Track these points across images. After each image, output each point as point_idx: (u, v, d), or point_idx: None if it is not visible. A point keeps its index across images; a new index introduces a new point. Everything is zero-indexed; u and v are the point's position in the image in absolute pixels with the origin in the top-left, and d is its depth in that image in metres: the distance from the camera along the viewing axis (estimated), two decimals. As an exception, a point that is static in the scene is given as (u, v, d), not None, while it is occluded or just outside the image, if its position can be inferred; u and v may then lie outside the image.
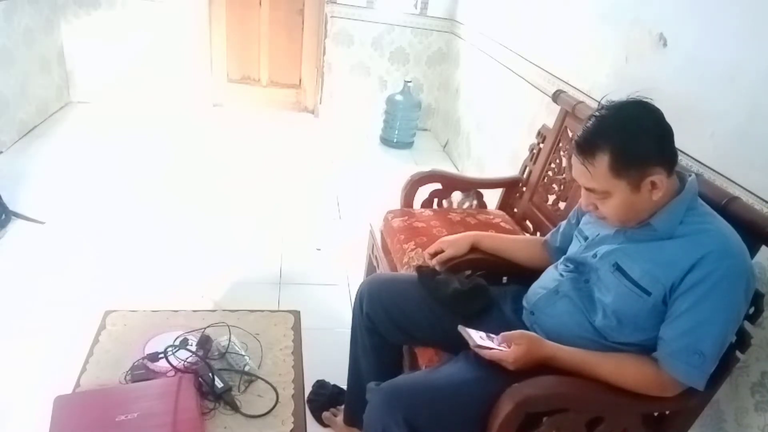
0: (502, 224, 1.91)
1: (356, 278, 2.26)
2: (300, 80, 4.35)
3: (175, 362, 1.27)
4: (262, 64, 4.24)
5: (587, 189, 1.10)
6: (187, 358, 1.28)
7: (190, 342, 1.33)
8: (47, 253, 2.24)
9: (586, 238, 1.26)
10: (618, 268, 1.12)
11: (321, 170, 3.48)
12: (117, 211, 2.61)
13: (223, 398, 1.22)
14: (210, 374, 1.24)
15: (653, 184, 1.04)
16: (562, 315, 1.20)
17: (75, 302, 1.95)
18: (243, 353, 1.34)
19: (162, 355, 1.28)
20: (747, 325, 1.11)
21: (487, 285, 1.36)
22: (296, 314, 1.55)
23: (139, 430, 1.10)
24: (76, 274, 2.13)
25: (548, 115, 2.26)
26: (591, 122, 1.07)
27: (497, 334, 1.15)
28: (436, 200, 2.10)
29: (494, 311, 1.34)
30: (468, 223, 1.87)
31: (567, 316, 1.19)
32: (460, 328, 1.16)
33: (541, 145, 2.05)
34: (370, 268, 2.04)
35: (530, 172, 2.07)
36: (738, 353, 1.12)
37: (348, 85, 4.23)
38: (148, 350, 1.32)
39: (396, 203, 2.03)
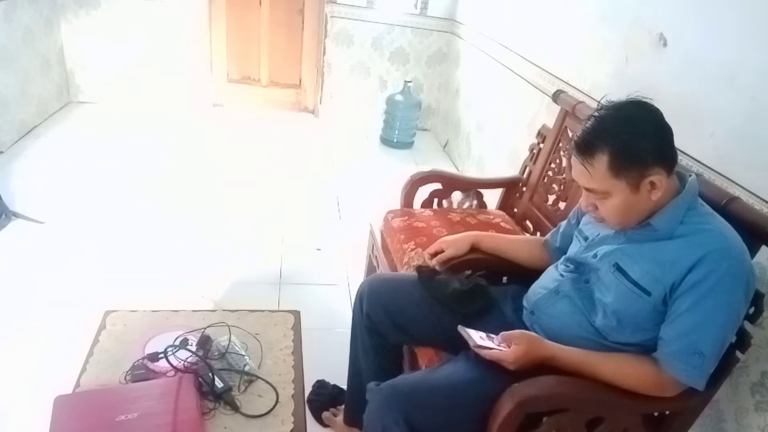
0: (502, 224, 1.91)
1: (356, 278, 2.26)
2: (300, 80, 4.35)
3: (175, 362, 1.27)
4: (262, 64, 4.24)
5: (587, 189, 1.11)
6: (187, 358, 1.28)
7: (190, 342, 1.33)
8: (47, 252, 2.24)
9: (586, 239, 1.26)
10: (618, 268, 1.12)
11: (321, 170, 3.48)
12: (117, 211, 2.62)
13: (223, 398, 1.22)
14: (210, 374, 1.24)
15: (653, 185, 1.04)
16: (563, 315, 1.20)
17: (75, 302, 1.95)
18: (243, 353, 1.34)
19: (162, 355, 1.28)
20: (747, 325, 1.11)
21: (487, 285, 1.36)
22: (296, 314, 1.55)
23: (139, 430, 1.10)
24: (76, 273, 2.13)
25: (548, 115, 2.27)
26: (590, 122, 1.07)
27: (497, 334, 1.15)
28: (436, 200, 2.10)
29: (494, 311, 1.34)
30: (468, 223, 1.87)
31: (567, 316, 1.19)
32: (460, 328, 1.16)
33: (541, 145, 2.05)
34: (370, 268, 2.04)
35: (530, 172, 2.07)
36: (738, 353, 1.12)
37: (348, 85, 4.23)
38: (148, 350, 1.31)
39: (396, 203, 2.03)
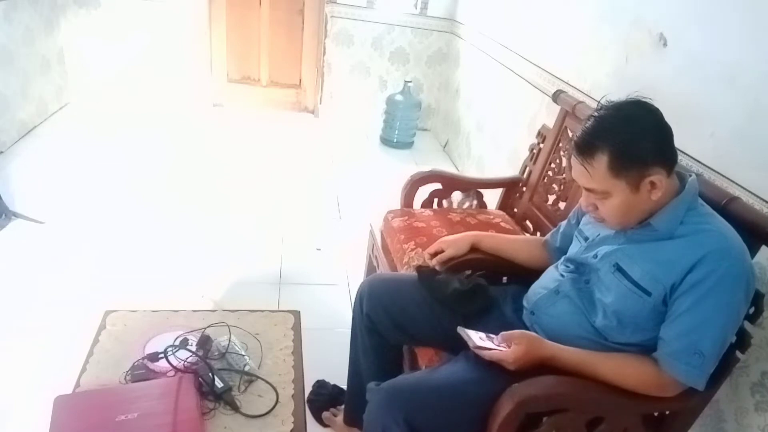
0: (502, 224, 1.91)
1: (356, 278, 2.26)
2: (300, 80, 4.35)
3: (175, 362, 1.27)
4: (262, 64, 4.24)
5: (587, 189, 1.11)
6: (187, 358, 1.28)
7: (190, 342, 1.33)
8: (47, 252, 2.24)
9: (586, 239, 1.26)
10: (618, 268, 1.12)
11: (321, 170, 3.48)
12: (117, 211, 2.62)
13: (223, 398, 1.22)
14: (210, 374, 1.24)
15: (653, 184, 1.04)
16: (563, 315, 1.20)
17: (75, 302, 1.95)
18: (243, 353, 1.34)
19: (162, 355, 1.28)
20: (747, 325, 1.11)
21: (487, 285, 1.36)
22: (296, 314, 1.55)
23: (139, 430, 1.10)
24: (76, 273, 2.13)
25: (548, 115, 2.27)
26: (590, 122, 1.07)
27: (497, 334, 1.15)
28: (436, 200, 2.10)
29: (494, 311, 1.34)
30: (468, 223, 1.87)
31: (567, 316, 1.19)
32: (460, 329, 1.16)
33: (541, 145, 2.05)
34: (370, 268, 2.04)
35: (530, 172, 2.07)
36: (738, 353, 1.12)
37: (348, 85, 4.23)
38: (148, 350, 1.32)
39: (396, 203, 2.03)
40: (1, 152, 3.02)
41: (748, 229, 1.11)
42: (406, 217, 1.87)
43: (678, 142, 1.06)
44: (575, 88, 2.20)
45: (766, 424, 1.23)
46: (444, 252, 1.47)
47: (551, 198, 1.93)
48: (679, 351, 1.02)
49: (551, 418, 1.07)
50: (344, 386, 1.58)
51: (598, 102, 1.12)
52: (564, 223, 1.42)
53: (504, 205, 2.14)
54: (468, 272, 1.44)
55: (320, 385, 1.71)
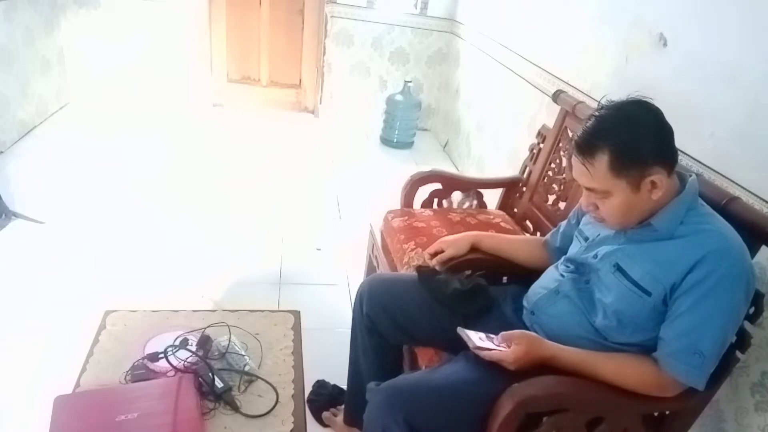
0: (502, 224, 1.91)
1: (356, 278, 2.26)
2: (300, 80, 4.35)
3: (175, 362, 1.27)
4: (262, 64, 4.24)
5: (587, 189, 1.11)
6: (187, 358, 1.28)
7: (190, 342, 1.33)
8: (47, 252, 2.24)
9: (586, 239, 1.26)
10: (618, 268, 1.12)
11: (321, 170, 3.48)
12: (117, 211, 2.62)
13: (223, 398, 1.22)
14: (210, 374, 1.24)
15: (653, 184, 1.04)
16: (563, 315, 1.20)
17: (75, 302, 1.95)
18: (243, 353, 1.34)
19: (162, 355, 1.28)
20: (747, 325, 1.11)
21: (487, 285, 1.36)
22: (296, 314, 1.55)
23: (139, 430, 1.10)
24: (76, 273, 2.13)
25: (548, 115, 2.26)
26: (591, 122, 1.07)
27: (497, 334, 1.15)
28: (436, 200, 2.10)
29: (494, 311, 1.34)
30: (468, 223, 1.87)
31: (567, 316, 1.19)
32: (459, 330, 1.16)
33: (541, 145, 2.05)
34: (370, 268, 2.04)
35: (530, 172, 2.07)
36: (738, 353, 1.12)
37: (348, 85, 4.23)
38: (148, 350, 1.31)
39: (396, 203, 2.03)
40: (1, 152, 3.02)
41: (748, 229, 1.11)
42: (406, 217, 1.87)
43: (678, 142, 1.06)
44: (575, 88, 2.20)
45: (766, 424, 1.23)
46: (444, 252, 1.47)
47: (551, 198, 1.93)
48: (679, 351, 1.02)
49: (551, 418, 1.07)
50: (344, 386, 1.58)
51: (599, 102, 1.12)
52: (564, 223, 1.42)
53: (504, 205, 2.14)
54: (468, 272, 1.44)
55: (320, 385, 1.71)
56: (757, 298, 1.09)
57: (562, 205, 1.87)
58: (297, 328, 1.50)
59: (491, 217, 1.97)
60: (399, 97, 3.95)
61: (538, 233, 1.90)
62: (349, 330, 1.49)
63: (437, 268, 1.46)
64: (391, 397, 1.09)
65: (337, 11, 3.97)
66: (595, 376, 1.08)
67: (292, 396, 1.27)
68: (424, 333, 1.35)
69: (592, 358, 1.10)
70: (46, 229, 2.40)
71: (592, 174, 1.06)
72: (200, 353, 1.29)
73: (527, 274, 1.39)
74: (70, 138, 3.37)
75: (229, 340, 1.35)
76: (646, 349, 1.09)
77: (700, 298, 1.00)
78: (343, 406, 1.58)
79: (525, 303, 1.31)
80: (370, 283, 1.44)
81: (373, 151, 3.99)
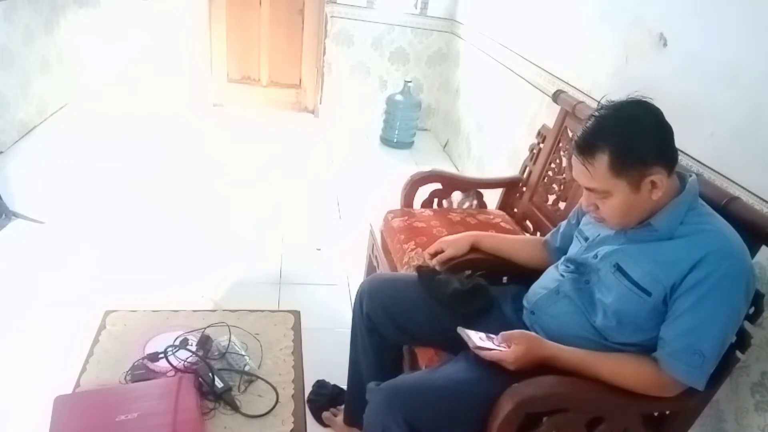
0: (502, 224, 1.91)
1: (356, 278, 2.26)
2: (300, 80, 4.35)
3: (175, 362, 1.27)
4: (262, 64, 4.24)
5: (587, 189, 1.11)
6: (187, 358, 1.28)
7: (190, 342, 1.33)
8: (47, 252, 2.24)
9: (586, 239, 1.26)
10: (618, 268, 1.12)
11: (321, 170, 3.48)
12: (117, 211, 2.62)
13: (223, 398, 1.22)
14: (210, 374, 1.24)
15: (653, 184, 1.04)
16: (563, 315, 1.20)
17: (75, 302, 1.95)
18: (243, 353, 1.34)
19: (162, 355, 1.28)
20: (747, 325, 1.11)
21: (487, 285, 1.36)
22: (296, 314, 1.55)
23: (139, 430, 1.10)
24: (76, 273, 2.13)
25: (548, 115, 2.26)
26: (590, 122, 1.07)
27: (497, 334, 1.15)
28: (436, 200, 2.10)
29: (494, 311, 1.34)
30: (468, 223, 1.87)
31: (567, 316, 1.19)
32: (460, 329, 1.16)
33: (541, 145, 2.05)
34: (370, 268, 2.04)
35: (530, 172, 2.07)
36: (738, 353, 1.12)
37: (348, 85, 4.23)
38: (148, 350, 1.32)
39: (396, 203, 2.03)
40: (1, 152, 3.02)
41: (748, 229, 1.11)
42: (406, 217, 1.87)
43: (678, 142, 1.06)
44: (575, 88, 2.20)
45: (766, 424, 1.23)
46: (444, 252, 1.47)
47: (551, 198, 1.93)
48: (679, 351, 1.02)
49: (551, 418, 1.07)
50: (344, 386, 1.58)
51: (599, 102, 1.12)
52: (564, 223, 1.42)
53: (504, 205, 2.14)
54: (468, 272, 1.45)
55: (320, 385, 1.71)
56: (757, 298, 1.09)
57: (562, 205, 1.87)
58: (297, 328, 1.50)
59: (491, 217, 1.97)
60: (399, 97, 3.95)
61: (538, 233, 1.90)
62: (349, 330, 1.49)
63: (437, 268, 1.46)
64: (391, 397, 1.09)
65: (337, 11, 3.97)
66: (595, 376, 1.08)
67: (292, 396, 1.27)
68: (424, 333, 1.35)
69: (592, 358, 1.10)
70: (46, 229, 2.40)
71: (592, 174, 1.06)
72: (200, 353, 1.30)
73: (527, 274, 1.39)
74: (70, 138, 3.36)
75: (229, 340, 1.35)
76: (646, 349, 1.09)
77: (701, 298, 1.00)
78: (343, 406, 1.58)
79: (525, 303, 1.31)
80: (370, 283, 1.44)
81: (373, 151, 3.99)
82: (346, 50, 4.12)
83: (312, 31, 4.11)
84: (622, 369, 1.08)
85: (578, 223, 1.34)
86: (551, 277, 1.29)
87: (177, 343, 1.31)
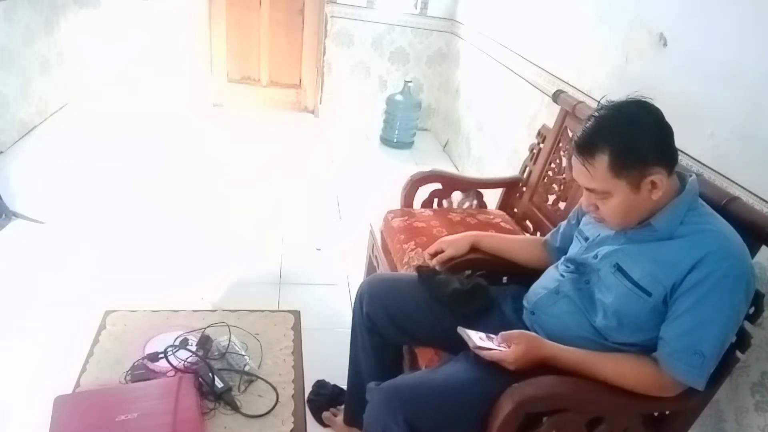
0: (502, 224, 1.91)
1: (356, 278, 2.26)
2: (300, 80, 4.35)
3: (175, 362, 1.27)
4: (262, 64, 4.24)
5: (587, 189, 1.11)
6: (187, 358, 1.28)
7: (190, 342, 1.33)
8: (47, 252, 2.24)
9: (586, 239, 1.26)
10: (619, 268, 1.12)
11: (321, 170, 3.48)
12: (117, 211, 2.62)
13: (223, 398, 1.22)
14: (210, 374, 1.24)
15: (653, 184, 1.04)
16: (563, 315, 1.20)
17: (75, 302, 1.95)
18: (243, 353, 1.35)
19: (162, 355, 1.28)
20: (747, 325, 1.11)
21: (487, 285, 1.36)
22: (296, 314, 1.56)
23: (139, 430, 1.10)
24: (76, 273, 2.13)
25: (548, 115, 2.26)
26: (590, 122, 1.07)
27: (497, 334, 1.15)
28: (436, 200, 2.10)
29: (494, 311, 1.34)
30: (468, 223, 1.87)
31: (567, 316, 1.19)
32: (460, 329, 1.16)
33: (541, 145, 2.05)
34: (370, 268, 2.04)
35: (530, 172, 2.07)
36: (738, 353, 1.12)
37: (348, 85, 4.23)
38: (148, 350, 1.32)
39: (396, 203, 2.03)
40: (1, 152, 3.02)
41: (748, 229, 1.11)
42: (406, 217, 1.87)
43: (678, 142, 1.06)
44: (575, 88, 2.20)
45: (766, 424, 1.23)
46: (444, 252, 1.47)
47: (551, 198, 1.93)
48: (679, 351, 1.02)
49: (551, 418, 1.07)
50: (344, 386, 1.58)
51: (598, 102, 1.12)
52: (564, 223, 1.42)
53: (504, 205, 2.14)
54: (468, 272, 1.45)
55: (320, 385, 1.71)
56: (757, 298, 1.09)
57: (562, 205, 1.87)
58: (297, 328, 1.51)
59: (491, 217, 1.97)
60: (399, 97, 3.95)
61: (538, 233, 1.90)
62: (349, 330, 1.49)
63: (437, 268, 1.46)
64: (391, 397, 1.09)
65: (337, 11, 3.97)
66: (595, 376, 1.08)
67: (292, 396, 1.28)
68: (424, 333, 1.35)
69: (592, 358, 1.10)
70: (46, 229, 2.40)
71: (592, 174, 1.06)
72: (200, 353, 1.30)
73: (527, 274, 1.39)
74: (70, 138, 3.36)
75: (229, 340, 1.36)
76: (646, 349, 1.09)
77: (701, 299, 1.00)
78: (343, 406, 1.58)
79: (525, 303, 1.31)
80: (370, 283, 1.44)
81: (373, 151, 3.99)
82: (346, 50, 4.12)
83: (312, 31, 4.11)
84: (622, 369, 1.08)
85: (578, 223, 1.34)
86: (551, 277, 1.29)
87: (177, 343, 1.31)
